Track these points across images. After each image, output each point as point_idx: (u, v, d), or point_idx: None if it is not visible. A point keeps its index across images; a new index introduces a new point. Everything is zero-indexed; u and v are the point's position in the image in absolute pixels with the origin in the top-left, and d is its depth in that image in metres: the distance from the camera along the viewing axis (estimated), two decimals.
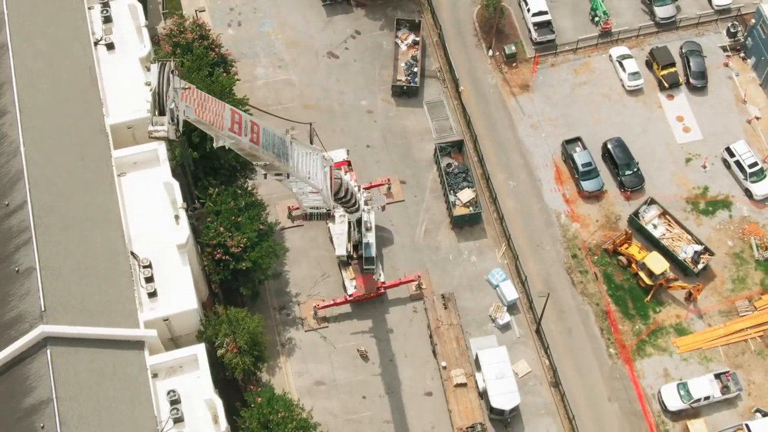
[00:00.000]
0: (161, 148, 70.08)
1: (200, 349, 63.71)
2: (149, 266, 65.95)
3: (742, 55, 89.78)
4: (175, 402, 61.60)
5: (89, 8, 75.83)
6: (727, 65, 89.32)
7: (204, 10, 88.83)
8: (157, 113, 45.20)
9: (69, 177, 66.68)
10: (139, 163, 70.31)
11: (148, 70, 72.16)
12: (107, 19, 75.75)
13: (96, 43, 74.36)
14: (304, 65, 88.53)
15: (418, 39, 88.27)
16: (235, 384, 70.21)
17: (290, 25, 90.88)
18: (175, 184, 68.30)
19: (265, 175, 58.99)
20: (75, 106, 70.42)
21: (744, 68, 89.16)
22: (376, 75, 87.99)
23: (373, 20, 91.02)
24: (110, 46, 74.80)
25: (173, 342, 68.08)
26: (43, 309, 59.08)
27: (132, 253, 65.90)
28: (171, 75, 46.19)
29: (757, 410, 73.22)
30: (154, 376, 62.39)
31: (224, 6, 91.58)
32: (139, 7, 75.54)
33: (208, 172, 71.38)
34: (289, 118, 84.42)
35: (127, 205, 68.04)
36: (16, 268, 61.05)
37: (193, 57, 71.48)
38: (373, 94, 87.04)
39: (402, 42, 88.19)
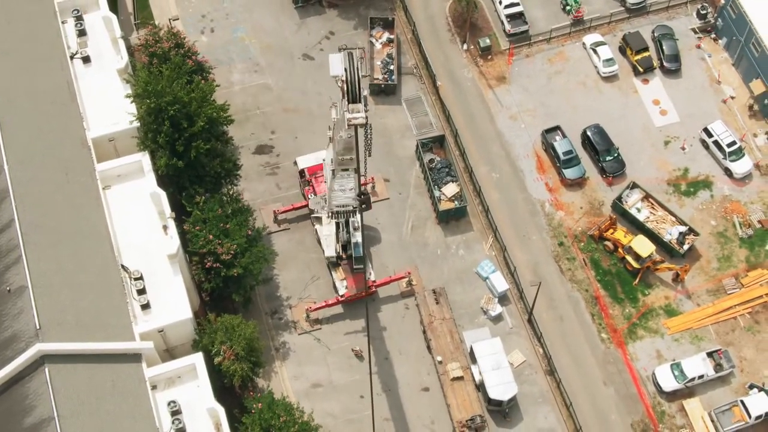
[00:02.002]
0: (145, 159, 69.89)
1: (198, 358, 63.61)
2: (140, 278, 65.69)
3: (713, 36, 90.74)
4: (176, 413, 61.52)
5: (63, 22, 75.30)
6: (699, 47, 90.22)
7: (177, 19, 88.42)
8: (349, 101, 44.14)
9: (54, 193, 66.33)
10: (123, 176, 70.09)
11: (127, 81, 72.21)
12: (82, 33, 75.27)
13: (72, 57, 73.84)
14: (280, 68, 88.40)
15: (392, 37, 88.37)
16: (231, 392, 70.01)
17: (263, 29, 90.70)
18: (162, 194, 68.11)
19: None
20: (55, 121, 70.02)
21: (716, 49, 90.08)
22: None
23: (347, 20, 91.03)
24: (86, 60, 74.34)
25: (169, 353, 67.82)
26: (38, 327, 58.80)
27: (122, 266, 65.57)
28: (360, 63, 45.69)
29: (751, 385, 74.10)
30: (154, 387, 62.19)
31: (196, 14, 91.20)
32: (114, 18, 75.19)
33: (193, 180, 71.07)
34: (268, 122, 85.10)
35: (115, 217, 67.71)
36: (8, 288, 60.76)
37: (172, 66, 71.09)
38: None
39: (377, 41, 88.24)
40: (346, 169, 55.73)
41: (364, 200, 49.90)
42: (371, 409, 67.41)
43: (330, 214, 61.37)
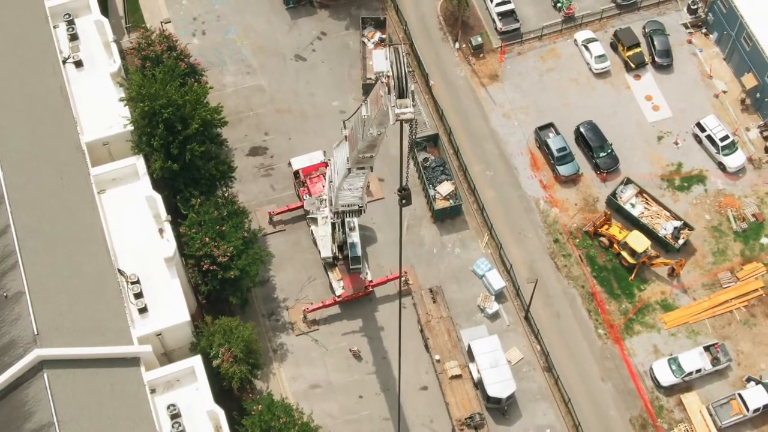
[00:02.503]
0: (140, 162, 69.80)
1: (197, 361, 63.53)
2: (137, 282, 65.56)
3: (704, 31, 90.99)
4: (175, 416, 61.43)
5: (54, 27, 75.12)
6: (690, 42, 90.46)
7: (169, 21, 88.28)
8: (396, 96, 43.64)
9: (50, 198, 66.18)
10: (118, 179, 70.03)
11: (120, 85, 72.07)
12: (74, 37, 75.08)
13: (64, 62, 73.67)
14: (272, 70, 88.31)
15: (384, 36, 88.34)
16: (230, 394, 69.89)
17: (255, 30, 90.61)
18: (158, 198, 67.99)
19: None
20: (49, 126, 69.86)
21: (707, 44, 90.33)
22: (345, 75, 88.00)
23: (338, 20, 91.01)
24: (79, 64, 74.19)
25: (167, 356, 67.74)
26: (36, 333, 58.65)
27: (119, 270, 65.41)
28: (406, 58, 45.32)
29: (749, 378, 74.31)
30: (152, 391, 62.11)
31: (187, 16, 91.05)
32: (106, 22, 75.05)
33: (188, 183, 70.97)
34: (262, 123, 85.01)
35: (110, 221, 67.55)
36: (5, 294, 60.54)
37: (165, 69, 70.99)
38: (344, 94, 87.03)
39: (368, 40, 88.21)
40: (363, 168, 55.49)
41: (405, 195, 49.38)
42: (398, 409, 66.91)
43: (334, 214, 61.09)
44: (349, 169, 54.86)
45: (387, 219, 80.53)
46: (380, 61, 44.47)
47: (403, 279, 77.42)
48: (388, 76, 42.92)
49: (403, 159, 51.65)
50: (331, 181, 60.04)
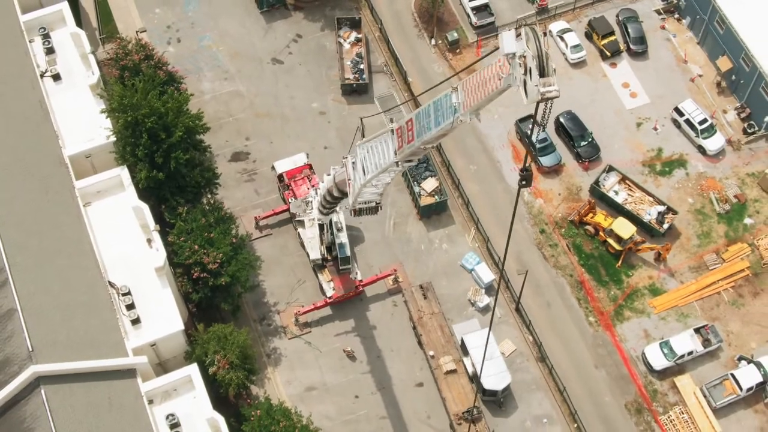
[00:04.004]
0: (124, 173, 69.40)
1: (193, 369, 63.23)
2: (128, 293, 65.15)
3: (676, 16, 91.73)
4: (175, 425, 61.13)
5: (30, 41, 74.52)
6: (663, 28, 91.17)
7: (145, 31, 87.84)
8: (541, 75, 42.72)
9: (36, 213, 65.72)
10: (103, 191, 69.47)
11: (101, 97, 71.66)
12: (50, 50, 74.49)
13: (42, 76, 73.08)
14: (249, 74, 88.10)
15: (360, 36, 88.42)
16: (226, 402, 69.61)
17: (230, 35, 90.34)
18: (145, 208, 67.65)
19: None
20: (31, 141, 69.34)
21: (680, 29, 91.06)
22: (323, 76, 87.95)
23: (313, 22, 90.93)
24: (57, 77, 73.58)
25: (161, 366, 67.37)
26: (30, 349, 58.22)
27: (109, 282, 65.02)
28: (544, 36, 44.45)
29: (740, 357, 75.02)
30: (150, 402, 61.70)
31: (161, 25, 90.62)
32: (83, 34, 74.53)
33: (174, 191, 70.65)
34: (242, 128, 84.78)
35: (98, 234, 67.06)
36: None
37: (145, 78, 70.65)
38: (324, 95, 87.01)
39: (345, 41, 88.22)
40: (411, 161, 54.74)
41: (526, 176, 48.46)
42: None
43: (351, 212, 60.77)
44: (397, 163, 53.86)
45: (374, 218, 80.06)
46: (510, 42, 43.78)
47: (393, 277, 77.61)
48: (524, 56, 42.49)
49: (533, 139, 50.33)
50: (349, 179, 59.15)
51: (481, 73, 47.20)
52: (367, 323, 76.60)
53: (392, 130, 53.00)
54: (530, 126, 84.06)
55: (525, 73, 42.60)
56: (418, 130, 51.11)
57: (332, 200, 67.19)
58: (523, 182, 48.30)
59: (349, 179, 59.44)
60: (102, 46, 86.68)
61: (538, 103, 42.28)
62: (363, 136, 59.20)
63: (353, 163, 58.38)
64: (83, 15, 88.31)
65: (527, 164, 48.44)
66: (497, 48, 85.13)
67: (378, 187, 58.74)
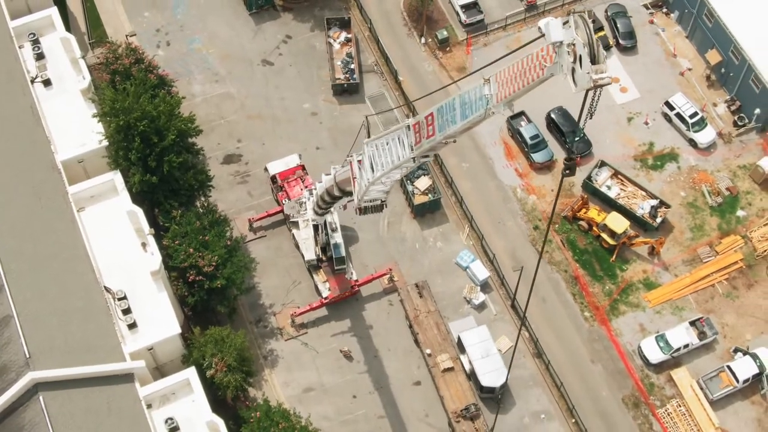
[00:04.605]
0: (117, 177, 69.27)
1: (192, 373, 63.18)
2: (124, 298, 65.03)
3: (665, 10, 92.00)
4: (174, 429, 61.18)
5: (20, 47, 74.30)
6: (652, 22, 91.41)
7: (135, 35, 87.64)
8: (592, 62, 42.32)
9: (30, 219, 65.57)
10: (97, 196, 69.35)
11: (92, 101, 71.38)
12: (40, 56, 74.29)
13: (32, 81, 72.87)
14: (240, 76, 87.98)
15: (350, 36, 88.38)
16: (223, 405, 69.50)
17: (220, 37, 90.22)
18: (139, 212, 67.53)
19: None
20: (23, 147, 69.22)
21: (669, 23, 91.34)
22: (314, 77, 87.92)
23: (303, 23, 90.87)
24: (47, 83, 73.43)
25: (158, 371, 67.26)
26: (28, 356, 58.11)
27: (105, 288, 64.86)
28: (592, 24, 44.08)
29: (736, 349, 75.28)
30: (149, 406, 61.63)
31: (150, 29, 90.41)
32: (73, 39, 74.34)
33: (168, 195, 70.51)
34: (234, 131, 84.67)
35: (92, 239, 66.90)
36: None
37: (136, 82, 70.49)
38: (315, 96, 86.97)
39: (335, 41, 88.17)
40: (427, 156, 54.40)
41: (570, 165, 48.11)
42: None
43: (356, 210, 60.65)
44: (414, 158, 53.51)
45: (368, 218, 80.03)
46: (557, 31, 43.48)
47: (388, 276, 77.63)
48: (573, 45, 42.20)
49: (582, 127, 49.74)
50: (355, 177, 58.82)
51: (519, 64, 46.61)
52: (363, 323, 76.59)
53: (409, 126, 52.46)
54: (521, 123, 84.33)
55: (574, 61, 42.23)
56: (441, 125, 50.50)
57: (331, 200, 67.07)
58: (567, 171, 48.00)
59: (354, 177, 59.05)
60: (91, 51, 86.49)
61: (587, 91, 41.92)
62: (369, 135, 58.72)
63: (359, 161, 58.05)
64: (72, 20, 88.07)
65: (573, 152, 47.86)
66: (486, 45, 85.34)
67: (386, 185, 58.47)
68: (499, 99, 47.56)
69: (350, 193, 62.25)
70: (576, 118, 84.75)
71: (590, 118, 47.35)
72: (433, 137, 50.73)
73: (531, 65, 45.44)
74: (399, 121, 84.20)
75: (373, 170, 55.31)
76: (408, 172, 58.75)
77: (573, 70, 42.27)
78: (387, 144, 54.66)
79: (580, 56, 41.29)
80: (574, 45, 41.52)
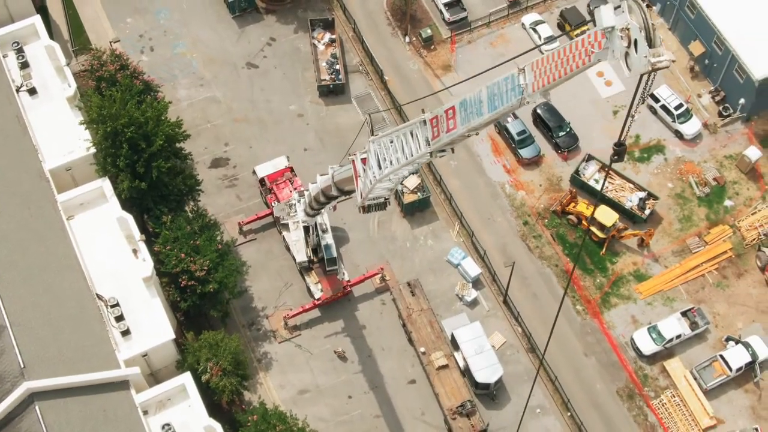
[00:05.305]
0: (106, 184, 69.06)
1: (187, 378, 63.04)
2: (117, 305, 64.84)
3: (646, 3, 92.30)
4: None
5: (4, 56, 73.98)
6: None
7: (118, 41, 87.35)
8: (650, 46, 41.98)
9: (20, 229, 65.30)
10: (86, 203, 69.14)
11: (79, 108, 71.19)
12: (24, 65, 74.00)
13: (18, 90, 72.57)
14: (225, 80, 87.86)
15: (334, 37, 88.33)
16: (219, 409, 69.34)
17: (203, 42, 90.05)
18: (129, 218, 67.33)
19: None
20: (10, 156, 68.98)
21: (651, 15, 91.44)
22: (299, 78, 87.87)
23: (286, 25, 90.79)
24: (32, 91, 73.16)
25: (153, 377, 67.06)
26: (22, 366, 57.83)
27: (97, 295, 64.65)
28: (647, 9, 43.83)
29: (728, 338, 75.66)
30: (145, 413, 61.49)
31: (133, 34, 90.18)
32: (57, 47, 74.03)
33: (157, 200, 70.33)
34: (221, 134, 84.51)
35: (83, 247, 66.69)
36: None
37: (122, 88, 70.26)
38: (300, 97, 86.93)
39: (319, 42, 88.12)
40: (444, 151, 53.95)
41: (620, 151, 47.58)
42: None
43: (360, 209, 60.51)
44: (431, 153, 53.04)
45: (358, 218, 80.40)
46: (609, 16, 43.29)
47: (380, 275, 77.65)
48: (627, 29, 42.01)
49: (633, 112, 49.31)
50: (358, 176, 58.32)
51: (560, 51, 46.23)
52: (356, 323, 76.60)
53: (425, 120, 52.06)
54: (508, 119, 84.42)
55: (628, 46, 42.11)
56: (464, 117, 49.86)
57: (326, 200, 66.90)
58: (616, 157, 47.79)
59: (357, 176, 58.59)
60: (75, 58, 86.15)
61: (642, 75, 41.86)
62: (372, 132, 58.35)
63: (362, 159, 57.66)
64: (54, 27, 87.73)
65: (623, 138, 47.45)
66: (470, 42, 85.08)
67: (393, 182, 58.16)
68: (536, 88, 47.10)
69: (348, 193, 62.10)
70: (562, 113, 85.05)
71: (643, 103, 47.22)
72: (455, 130, 50.12)
73: (575, 52, 44.99)
74: (386, 121, 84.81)
75: (380, 167, 54.81)
76: (419, 168, 57.94)
77: (627, 55, 42.21)
78: (392, 142, 54.32)
79: (635, 40, 41.23)
80: (628, 29, 41.45)
